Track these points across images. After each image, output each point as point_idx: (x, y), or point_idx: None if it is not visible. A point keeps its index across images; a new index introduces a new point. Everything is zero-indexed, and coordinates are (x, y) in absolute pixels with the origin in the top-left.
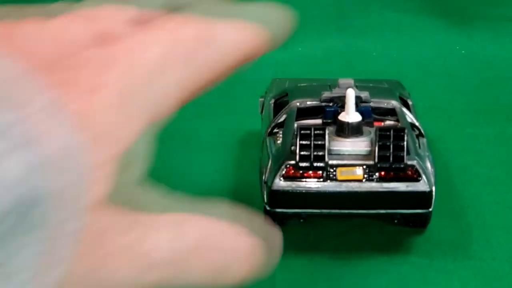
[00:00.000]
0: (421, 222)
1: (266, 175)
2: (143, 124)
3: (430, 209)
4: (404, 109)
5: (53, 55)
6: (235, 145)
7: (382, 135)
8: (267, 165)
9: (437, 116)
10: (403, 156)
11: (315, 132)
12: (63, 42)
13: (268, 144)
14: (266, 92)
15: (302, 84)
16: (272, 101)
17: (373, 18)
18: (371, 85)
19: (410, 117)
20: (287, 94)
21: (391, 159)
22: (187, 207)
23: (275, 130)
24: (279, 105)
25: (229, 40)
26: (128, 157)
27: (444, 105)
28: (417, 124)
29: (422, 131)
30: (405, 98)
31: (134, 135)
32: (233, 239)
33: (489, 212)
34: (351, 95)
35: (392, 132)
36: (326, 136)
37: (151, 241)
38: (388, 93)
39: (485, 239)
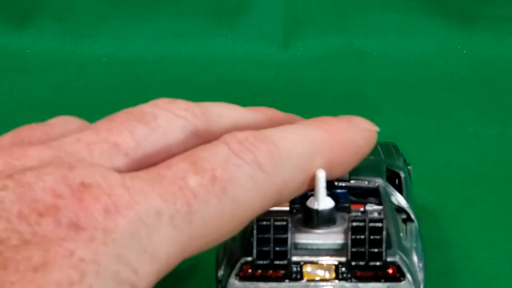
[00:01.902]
0: None
1: (221, 271)
2: None
3: None
4: (390, 188)
5: None
6: None
7: (356, 227)
8: (222, 259)
9: (438, 116)
10: (381, 252)
11: (276, 223)
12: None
13: None
14: None
15: None
16: None
17: (374, 18)
18: None
19: (397, 198)
20: None
21: (367, 256)
22: None
23: None
24: None
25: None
26: None
27: (445, 105)
28: (405, 206)
29: (412, 215)
30: (396, 170)
31: None
32: None
33: (489, 212)
34: (321, 177)
35: (367, 223)
36: (289, 228)
37: None
38: (372, 169)
39: (485, 239)
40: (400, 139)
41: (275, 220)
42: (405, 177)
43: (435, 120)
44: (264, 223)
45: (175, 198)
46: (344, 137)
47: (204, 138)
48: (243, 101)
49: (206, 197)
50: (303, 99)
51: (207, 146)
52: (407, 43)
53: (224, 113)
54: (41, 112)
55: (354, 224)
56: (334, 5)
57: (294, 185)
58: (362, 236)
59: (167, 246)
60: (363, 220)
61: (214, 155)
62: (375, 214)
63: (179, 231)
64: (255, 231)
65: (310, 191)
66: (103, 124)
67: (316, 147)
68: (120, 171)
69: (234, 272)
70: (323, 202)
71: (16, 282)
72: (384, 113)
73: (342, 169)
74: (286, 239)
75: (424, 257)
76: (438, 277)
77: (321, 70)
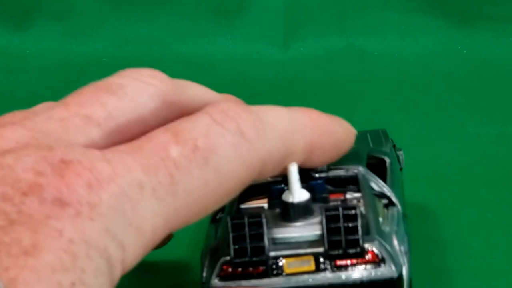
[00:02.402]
0: None
1: (204, 273)
2: (100, 285)
3: None
4: (370, 175)
5: None
6: None
7: (331, 216)
8: (205, 261)
9: (439, 116)
10: (357, 239)
11: (250, 220)
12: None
13: (209, 233)
14: None
15: None
16: None
17: (374, 18)
18: None
19: (377, 184)
20: None
21: (343, 244)
22: None
23: (219, 216)
24: None
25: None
26: None
27: (445, 105)
28: (386, 191)
29: (394, 199)
30: (381, 156)
31: None
32: None
33: (490, 211)
34: (292, 170)
35: (341, 211)
36: (264, 224)
37: None
38: (352, 156)
39: (485, 239)
40: (400, 139)
41: (249, 217)
42: (391, 163)
43: (435, 119)
44: (239, 220)
45: (157, 169)
46: (325, 124)
47: (177, 109)
48: (243, 101)
49: (188, 167)
50: (303, 99)
51: (188, 117)
52: (407, 43)
53: (196, 90)
54: None
55: (328, 213)
56: (334, 5)
57: (277, 157)
58: (337, 225)
59: (152, 219)
60: (336, 208)
61: (195, 125)
62: (354, 202)
63: (163, 203)
64: (230, 230)
65: (286, 186)
66: (72, 99)
67: (298, 126)
68: (96, 143)
69: (215, 272)
70: (298, 194)
71: (10, 267)
72: (384, 113)
73: (322, 155)
74: (262, 234)
75: (407, 240)
76: (438, 276)
77: (321, 70)
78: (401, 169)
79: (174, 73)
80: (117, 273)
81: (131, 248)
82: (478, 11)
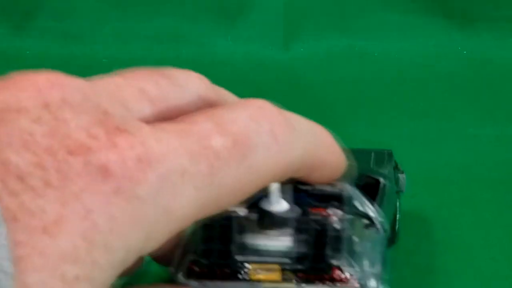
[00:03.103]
0: None
1: (172, 269)
2: (104, 280)
3: None
4: (357, 194)
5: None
6: None
7: (302, 228)
8: (176, 257)
9: (439, 116)
10: (324, 255)
11: (221, 223)
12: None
13: (187, 230)
14: None
15: None
16: None
17: (375, 18)
18: None
19: (363, 204)
20: None
21: (310, 258)
22: None
23: None
24: None
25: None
26: None
27: (446, 105)
28: (370, 212)
29: (376, 221)
30: (376, 177)
31: None
32: None
33: (489, 212)
34: None
35: (313, 225)
36: (233, 228)
37: None
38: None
39: (485, 239)
40: (401, 140)
41: (221, 220)
42: (385, 185)
43: (436, 121)
44: (210, 222)
45: (200, 157)
46: (335, 147)
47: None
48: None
49: (228, 160)
50: (303, 100)
51: (227, 107)
52: (407, 44)
53: (227, 93)
54: None
55: (300, 226)
56: (335, 6)
57: (296, 167)
58: (307, 238)
59: (185, 207)
60: (308, 222)
61: (235, 118)
62: (333, 218)
63: (198, 193)
64: (201, 230)
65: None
66: (128, 72)
67: (319, 142)
68: (145, 119)
69: (182, 269)
70: (276, 204)
71: (22, 243)
72: (385, 114)
73: (323, 174)
74: (231, 238)
75: (385, 264)
76: (438, 277)
77: (321, 71)
78: (399, 192)
79: None
80: (128, 263)
81: (156, 238)
82: (478, 12)
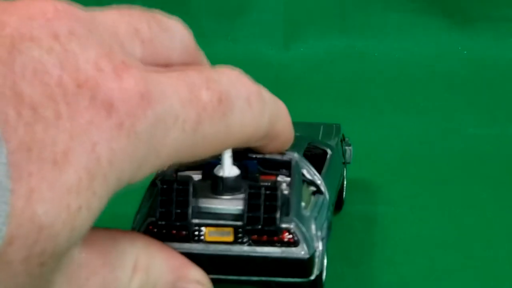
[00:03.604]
0: None
1: (133, 230)
2: (100, 207)
3: (311, 278)
4: (304, 162)
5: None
6: None
7: (253, 193)
8: (135, 219)
9: (439, 116)
10: (275, 218)
11: (178, 187)
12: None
13: (146, 195)
14: None
15: None
16: None
17: (375, 18)
18: None
19: (310, 172)
20: None
21: (261, 221)
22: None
23: (157, 180)
24: None
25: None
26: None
27: (446, 106)
28: (316, 179)
29: (322, 188)
30: (323, 148)
31: (82, 225)
32: None
33: (490, 212)
34: None
35: (263, 190)
36: (190, 192)
37: None
38: (292, 144)
39: (486, 239)
40: (401, 140)
41: (178, 184)
42: (331, 155)
43: (435, 120)
44: (168, 186)
45: (190, 105)
46: (289, 118)
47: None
48: None
49: (212, 114)
50: (304, 100)
51: (215, 69)
52: (407, 44)
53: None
54: None
55: (251, 191)
56: (335, 6)
57: (261, 135)
58: (258, 202)
59: (171, 148)
60: (259, 187)
61: (221, 79)
62: (282, 185)
63: (183, 137)
64: (159, 193)
65: (219, 160)
66: (124, 8)
67: (281, 114)
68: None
69: (141, 231)
70: (228, 170)
71: (33, 174)
72: (385, 113)
73: (278, 145)
74: (187, 201)
75: (327, 227)
76: (439, 277)
77: (321, 71)
78: (346, 163)
79: None
80: (118, 190)
81: (143, 171)
82: (478, 12)
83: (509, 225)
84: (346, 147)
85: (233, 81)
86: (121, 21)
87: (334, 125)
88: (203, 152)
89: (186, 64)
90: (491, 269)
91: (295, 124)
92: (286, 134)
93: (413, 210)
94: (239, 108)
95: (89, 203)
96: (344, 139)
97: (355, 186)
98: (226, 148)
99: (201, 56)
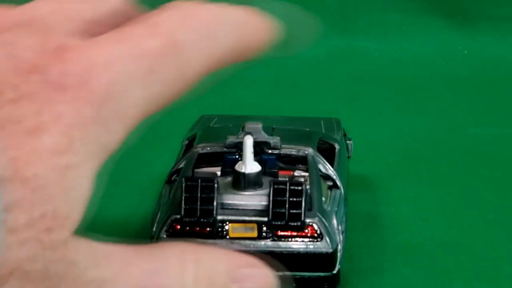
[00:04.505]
0: (326, 286)
1: (154, 229)
2: (90, 169)
3: (334, 272)
4: (319, 157)
5: None
6: None
7: (278, 189)
8: (155, 217)
9: (440, 116)
10: (300, 213)
11: (203, 184)
12: (4, 62)
13: (163, 193)
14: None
15: (216, 125)
16: (185, 142)
17: (376, 18)
18: (291, 127)
19: (325, 167)
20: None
21: (286, 216)
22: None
23: (174, 178)
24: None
25: (231, 24)
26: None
27: (446, 106)
28: (332, 174)
29: (338, 182)
30: (331, 143)
31: (75, 186)
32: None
33: (491, 212)
34: (248, 143)
35: (288, 186)
36: (215, 189)
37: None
38: (305, 138)
39: (487, 239)
40: (401, 139)
41: (202, 181)
42: (340, 150)
43: (436, 120)
44: (193, 183)
45: (139, 59)
46: (261, 23)
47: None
48: (244, 101)
49: (163, 58)
50: (304, 100)
51: (155, 12)
52: (408, 44)
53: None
54: None
55: (276, 186)
56: (335, 6)
57: (233, 51)
58: (283, 198)
59: (135, 106)
60: (284, 183)
61: (163, 21)
62: (301, 180)
63: (145, 91)
64: (183, 191)
65: (240, 157)
66: None
67: (246, 25)
68: (80, 35)
69: (164, 228)
70: (250, 166)
71: (12, 146)
72: (385, 113)
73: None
74: (212, 198)
75: (345, 221)
76: (440, 277)
77: (322, 71)
78: (348, 157)
79: None
80: (104, 157)
81: (118, 134)
82: (479, 12)
83: (510, 225)
84: (347, 142)
85: (177, 15)
86: (57, 8)
87: (333, 120)
88: (172, 94)
89: (128, 19)
90: (491, 269)
91: (295, 119)
92: (259, 37)
93: (414, 210)
94: (189, 42)
95: (75, 162)
96: (345, 134)
97: (355, 186)
98: (195, 82)
99: (140, 7)
